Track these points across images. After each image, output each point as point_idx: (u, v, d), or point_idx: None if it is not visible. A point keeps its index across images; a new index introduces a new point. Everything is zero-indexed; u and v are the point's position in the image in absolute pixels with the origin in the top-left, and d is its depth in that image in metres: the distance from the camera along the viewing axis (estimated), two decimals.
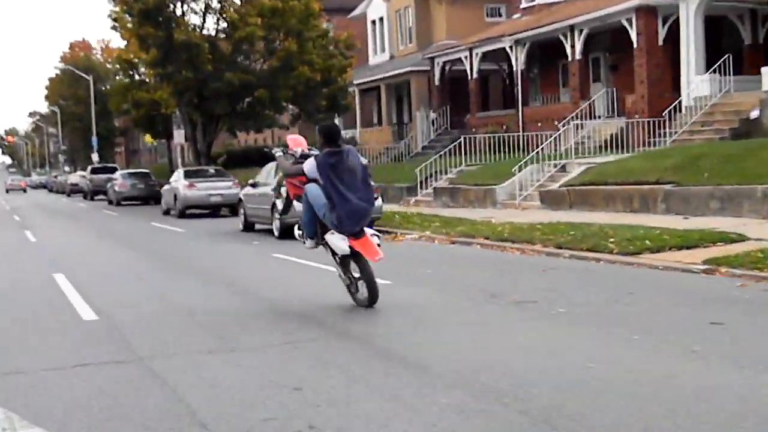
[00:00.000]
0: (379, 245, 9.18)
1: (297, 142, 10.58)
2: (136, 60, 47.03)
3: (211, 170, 32.42)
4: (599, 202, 20.23)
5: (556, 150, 28.63)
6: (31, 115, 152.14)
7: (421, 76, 43.34)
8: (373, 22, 49.50)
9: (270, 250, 16.91)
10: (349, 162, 9.11)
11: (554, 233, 15.39)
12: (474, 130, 38.09)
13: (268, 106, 36.30)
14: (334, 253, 9.55)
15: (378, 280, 9.30)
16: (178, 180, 30.22)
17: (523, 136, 33.20)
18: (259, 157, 53.40)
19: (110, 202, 44.64)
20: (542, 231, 15.86)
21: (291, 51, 34.85)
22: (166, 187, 32.27)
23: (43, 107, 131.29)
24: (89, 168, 57.50)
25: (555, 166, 23.71)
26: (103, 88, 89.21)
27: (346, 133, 51.26)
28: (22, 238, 22.09)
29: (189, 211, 29.62)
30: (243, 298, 10.87)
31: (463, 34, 41.03)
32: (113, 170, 53.62)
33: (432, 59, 41.00)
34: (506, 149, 31.60)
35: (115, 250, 18.34)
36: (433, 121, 41.20)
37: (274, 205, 19.06)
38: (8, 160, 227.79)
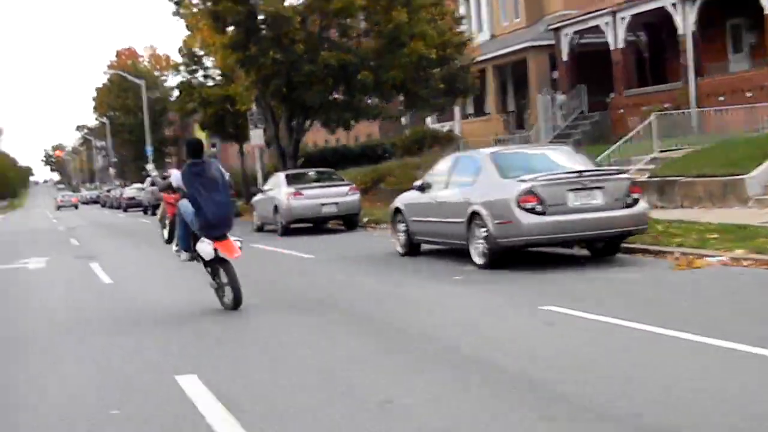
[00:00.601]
0: (240, 248, 10.09)
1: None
2: (201, 53, 40.67)
3: (315, 173, 25.68)
4: None
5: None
6: (78, 128, 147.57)
7: (541, 53, 36.43)
8: None
9: (515, 294, 10.06)
10: (210, 173, 10.00)
11: None
12: (622, 111, 31.11)
13: (373, 91, 29.42)
14: (206, 264, 10.28)
15: None
16: (278, 187, 23.53)
17: (699, 113, 26.25)
18: (355, 156, 46.43)
19: None
20: None
21: (400, 23, 28.02)
22: (258, 197, 25.61)
23: (91, 120, 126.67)
24: (148, 180, 51.20)
25: None
26: (151, 96, 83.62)
27: (442, 126, 44.59)
28: (92, 278, 15.50)
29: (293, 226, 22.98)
30: None
31: (583, 2, 34.00)
32: None
33: (557, 31, 33.98)
34: (681, 131, 24.73)
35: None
36: (560, 105, 34.15)
37: (472, 217, 12.38)
38: (56, 177, 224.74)
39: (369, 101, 30.83)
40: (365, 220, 23.89)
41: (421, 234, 14.70)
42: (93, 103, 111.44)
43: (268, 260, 16.91)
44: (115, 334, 9.30)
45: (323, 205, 22.46)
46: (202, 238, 9.96)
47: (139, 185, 59.90)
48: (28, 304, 12.56)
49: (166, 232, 11.62)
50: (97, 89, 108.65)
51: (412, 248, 15.08)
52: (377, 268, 13.83)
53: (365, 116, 30.94)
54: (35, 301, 12.91)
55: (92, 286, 14.16)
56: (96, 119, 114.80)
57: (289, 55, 27.92)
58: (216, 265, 10.11)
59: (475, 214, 12.53)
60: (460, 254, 13.72)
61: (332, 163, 47.40)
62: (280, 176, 24.48)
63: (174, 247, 10.96)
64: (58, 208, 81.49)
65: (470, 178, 13.08)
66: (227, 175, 10.30)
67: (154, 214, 46.99)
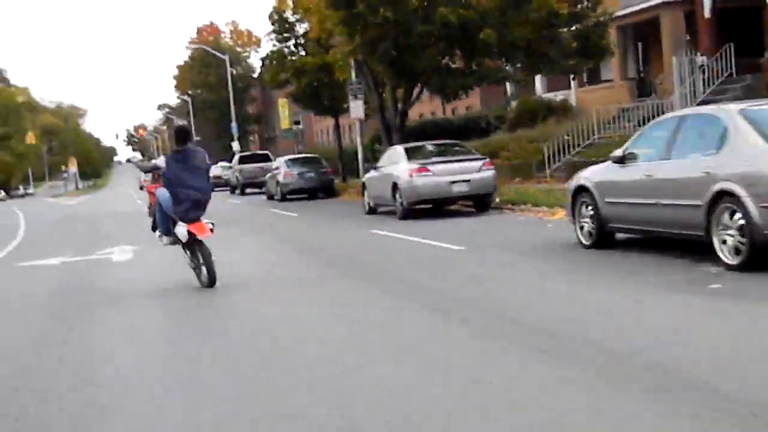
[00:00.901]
0: (212, 229, 10.70)
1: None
2: (293, 18, 37.54)
3: (437, 146, 22.18)
4: None
5: None
6: (160, 107, 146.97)
7: (675, 10, 32.24)
8: None
9: None
10: (193, 160, 10.73)
11: None
12: None
13: (495, 53, 25.73)
14: (184, 246, 10.96)
15: None
16: (396, 163, 20.16)
17: None
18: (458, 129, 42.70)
19: (270, 197, 35.41)
20: None
21: None
22: (371, 174, 22.27)
23: (173, 99, 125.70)
24: (236, 157, 48.52)
25: None
26: (233, 72, 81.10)
27: (555, 96, 40.72)
28: (189, 289, 12.39)
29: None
30: None
31: None
32: (266, 158, 44.62)
33: None
34: None
35: (441, 335, 8.34)
36: (701, 68, 29.99)
37: (717, 197, 8.82)
38: (139, 156, 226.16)
39: (493, 63, 27.12)
40: (497, 200, 20.42)
41: (620, 221, 11.14)
42: (174, 82, 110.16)
43: (408, 253, 13.54)
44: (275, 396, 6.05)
45: (453, 183, 19.01)
46: (179, 222, 10.61)
47: (224, 163, 57.33)
48: (109, 326, 9.43)
49: (152, 221, 11.77)
50: (179, 67, 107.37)
51: (602, 239, 11.56)
52: (571, 270, 10.30)
53: (489, 80, 27.34)
54: (120, 317, 9.78)
55: (201, 291, 10.97)
56: (177, 97, 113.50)
57: (402, 12, 24.45)
58: (194, 246, 10.77)
59: (723, 194, 8.94)
60: (676, 247, 10.21)
61: (433, 137, 44.04)
62: (399, 150, 21.07)
63: (157, 233, 11.52)
64: (142, 188, 79.87)
65: (711, 144, 9.45)
66: (209, 161, 11.13)
67: (243, 193, 44.46)
